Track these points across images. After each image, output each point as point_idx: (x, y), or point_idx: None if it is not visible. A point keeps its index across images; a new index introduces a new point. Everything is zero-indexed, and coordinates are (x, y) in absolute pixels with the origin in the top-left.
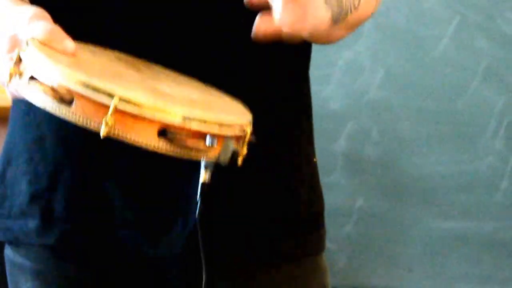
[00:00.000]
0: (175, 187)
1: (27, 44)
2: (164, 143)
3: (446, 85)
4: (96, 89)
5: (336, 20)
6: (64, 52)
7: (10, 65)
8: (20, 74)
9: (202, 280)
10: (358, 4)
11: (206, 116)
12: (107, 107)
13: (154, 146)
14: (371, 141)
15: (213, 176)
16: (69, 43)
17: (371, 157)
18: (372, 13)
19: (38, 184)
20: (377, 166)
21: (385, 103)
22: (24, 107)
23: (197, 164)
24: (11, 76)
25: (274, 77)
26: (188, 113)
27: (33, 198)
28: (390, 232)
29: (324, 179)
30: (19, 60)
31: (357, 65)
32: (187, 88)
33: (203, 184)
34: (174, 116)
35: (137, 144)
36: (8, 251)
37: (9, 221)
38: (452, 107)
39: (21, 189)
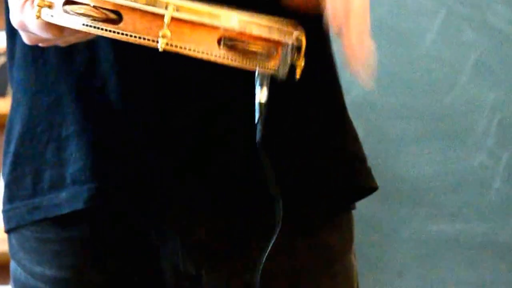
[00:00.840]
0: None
1: None
2: (225, 51)
3: (433, 81)
4: (147, 0)
5: None
6: None
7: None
8: (50, 6)
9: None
10: None
11: (263, 22)
12: (162, 17)
13: (215, 55)
14: None
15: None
16: None
17: None
18: None
19: (67, 149)
20: None
21: (370, 102)
22: (31, 73)
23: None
24: (40, 7)
25: None
26: (246, 18)
27: (64, 165)
28: (378, 236)
29: None
30: None
31: (339, 62)
32: (234, 9)
33: (260, 104)
34: (233, 21)
35: (197, 55)
36: (17, 272)
37: (37, 199)
38: (440, 104)
39: (46, 160)
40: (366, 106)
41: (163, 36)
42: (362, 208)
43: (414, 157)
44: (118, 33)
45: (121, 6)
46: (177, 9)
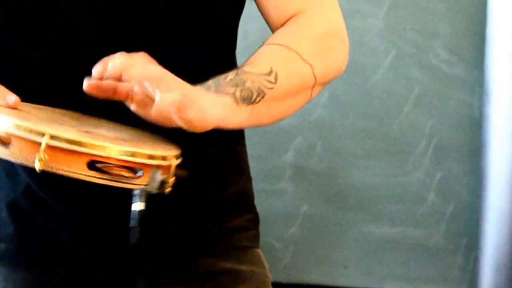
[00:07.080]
0: (110, 212)
1: None
2: (94, 173)
3: (382, 108)
4: (28, 130)
5: (243, 99)
6: (7, 106)
7: None
8: None
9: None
10: (269, 89)
11: (130, 148)
12: (40, 144)
13: (85, 176)
14: (316, 155)
15: (148, 203)
16: (11, 97)
17: (315, 169)
18: (294, 111)
19: None
20: (320, 176)
21: (329, 122)
22: None
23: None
24: None
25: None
26: (111, 145)
27: None
28: (330, 234)
29: (274, 186)
30: None
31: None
32: (122, 132)
33: (139, 211)
34: (98, 148)
35: (70, 175)
36: None
37: None
38: (387, 127)
39: None
40: (326, 126)
41: (40, 160)
42: (317, 211)
43: (363, 171)
44: (8, 155)
45: (10, 133)
46: (52, 137)
